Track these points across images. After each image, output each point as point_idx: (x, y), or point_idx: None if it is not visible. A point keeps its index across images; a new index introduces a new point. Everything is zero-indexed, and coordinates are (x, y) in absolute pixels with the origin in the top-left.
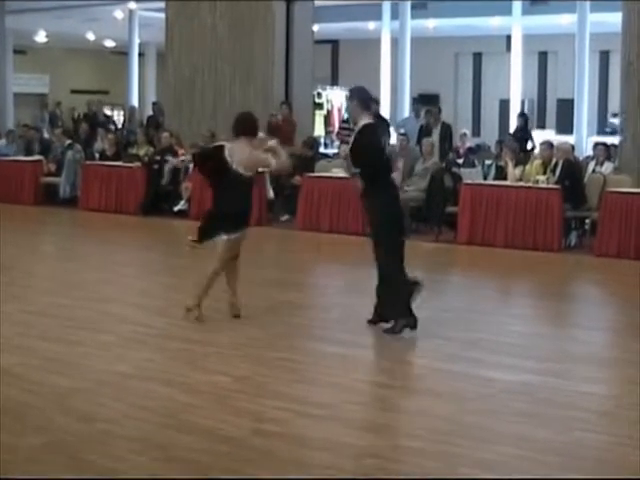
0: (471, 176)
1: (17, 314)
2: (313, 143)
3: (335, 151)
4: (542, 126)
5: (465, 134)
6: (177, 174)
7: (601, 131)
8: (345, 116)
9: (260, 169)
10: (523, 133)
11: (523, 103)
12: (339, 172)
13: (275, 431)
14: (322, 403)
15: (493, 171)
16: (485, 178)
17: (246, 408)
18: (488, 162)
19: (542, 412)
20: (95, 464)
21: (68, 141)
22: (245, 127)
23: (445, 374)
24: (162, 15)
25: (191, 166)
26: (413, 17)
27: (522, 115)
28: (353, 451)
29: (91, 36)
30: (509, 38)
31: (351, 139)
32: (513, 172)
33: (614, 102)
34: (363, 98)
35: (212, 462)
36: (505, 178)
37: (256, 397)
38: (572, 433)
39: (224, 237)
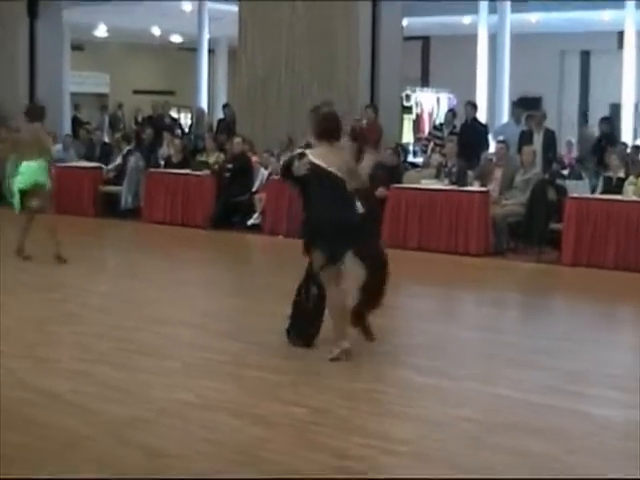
0: (577, 189)
1: (73, 336)
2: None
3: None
4: None
5: (571, 142)
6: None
7: None
8: (437, 121)
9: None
10: (608, 140)
11: (637, 107)
12: (429, 183)
13: (356, 469)
14: (406, 439)
15: (601, 183)
16: (593, 191)
17: (324, 443)
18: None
19: None
20: None
21: (128, 147)
22: (329, 129)
23: (542, 408)
24: (234, 8)
25: (265, 174)
26: (513, 10)
27: (606, 120)
28: None
29: (156, 31)
30: (621, 34)
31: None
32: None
33: None
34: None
35: None
36: (614, 192)
37: (335, 431)
38: None
39: (319, 254)
